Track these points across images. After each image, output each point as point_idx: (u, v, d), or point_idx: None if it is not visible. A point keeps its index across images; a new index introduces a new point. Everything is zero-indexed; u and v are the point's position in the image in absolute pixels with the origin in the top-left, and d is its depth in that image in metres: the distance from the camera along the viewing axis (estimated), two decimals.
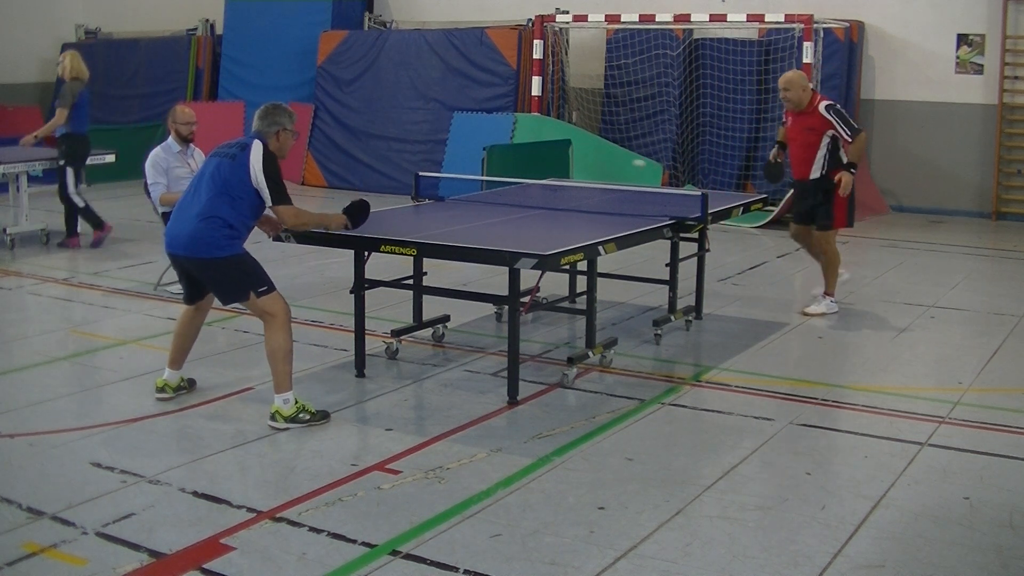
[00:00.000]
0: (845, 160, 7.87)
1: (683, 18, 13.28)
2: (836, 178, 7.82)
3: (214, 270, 5.53)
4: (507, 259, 5.65)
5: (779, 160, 8.28)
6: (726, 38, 13.88)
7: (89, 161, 11.47)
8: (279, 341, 5.48)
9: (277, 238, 6.08)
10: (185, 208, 5.55)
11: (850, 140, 7.76)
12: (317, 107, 15.68)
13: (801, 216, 8.20)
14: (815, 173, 7.91)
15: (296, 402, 5.52)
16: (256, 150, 5.45)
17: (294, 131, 5.67)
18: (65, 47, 18.06)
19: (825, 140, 7.82)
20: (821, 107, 7.81)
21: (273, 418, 5.51)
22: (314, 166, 15.53)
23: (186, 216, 5.51)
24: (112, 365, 6.66)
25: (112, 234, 10.69)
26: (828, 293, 8.09)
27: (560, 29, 14.37)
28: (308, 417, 5.52)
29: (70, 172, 10.31)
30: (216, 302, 5.93)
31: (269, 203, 5.50)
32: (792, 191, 8.71)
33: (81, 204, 10.38)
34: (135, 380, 6.29)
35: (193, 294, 5.86)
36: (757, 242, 11.40)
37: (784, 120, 8.28)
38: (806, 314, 7.97)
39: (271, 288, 5.53)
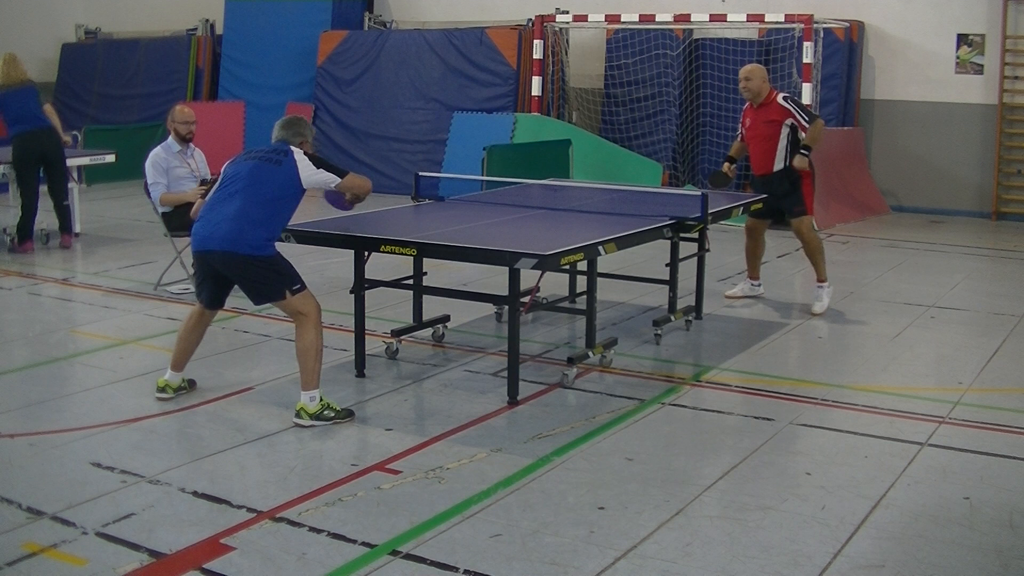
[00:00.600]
0: None
1: (683, 18, 13.30)
2: (794, 163, 7.92)
3: (250, 268, 5.53)
4: (507, 259, 5.65)
5: (729, 174, 8.37)
6: (726, 38, 13.89)
7: (89, 161, 11.51)
8: (311, 339, 5.52)
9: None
10: (218, 209, 5.55)
11: (808, 126, 7.87)
12: (317, 107, 15.68)
13: (762, 211, 8.20)
14: (779, 164, 8.00)
15: (321, 400, 5.54)
16: (300, 155, 5.67)
17: (312, 144, 5.94)
18: (65, 47, 18.15)
19: (785, 131, 7.94)
20: (779, 98, 7.96)
21: (298, 415, 5.51)
22: None
23: (220, 217, 5.51)
24: (112, 365, 6.66)
25: (110, 235, 10.68)
26: (823, 280, 8.12)
27: (560, 29, 14.38)
28: (332, 415, 5.53)
29: (11, 175, 10.19)
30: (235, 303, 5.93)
31: (335, 184, 5.72)
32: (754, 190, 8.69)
33: (20, 213, 10.18)
34: (135, 380, 6.29)
35: (214, 297, 5.82)
36: None
37: (741, 126, 8.31)
38: (815, 314, 7.98)
39: (303, 286, 5.59)
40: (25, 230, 10.17)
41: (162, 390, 5.91)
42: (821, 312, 7.99)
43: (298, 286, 5.55)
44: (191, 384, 6.04)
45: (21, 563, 4.01)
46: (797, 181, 8.02)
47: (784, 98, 7.99)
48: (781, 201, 8.08)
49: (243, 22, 16.51)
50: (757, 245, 8.45)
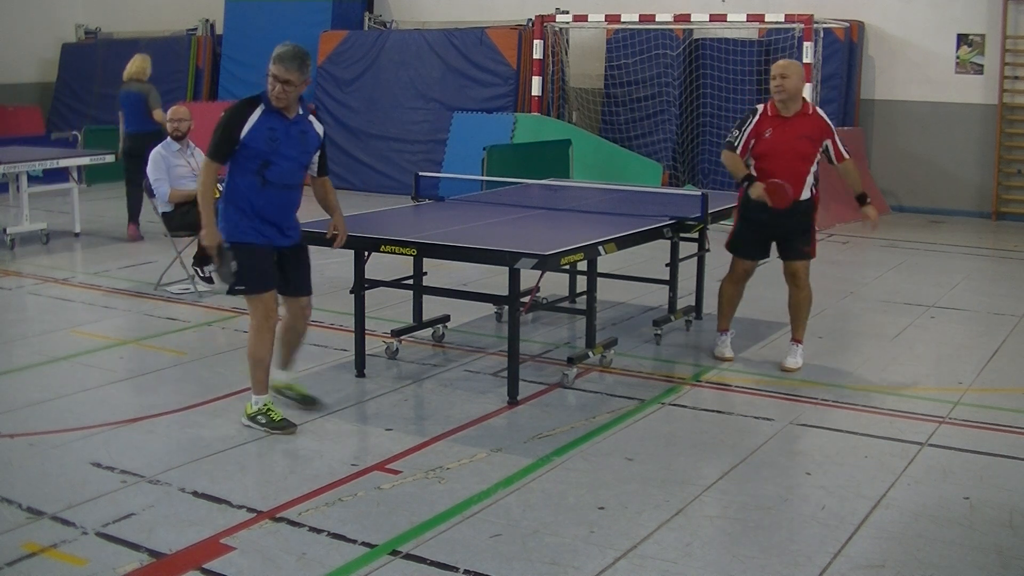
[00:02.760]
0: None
1: (683, 18, 13.29)
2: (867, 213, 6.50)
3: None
4: (507, 259, 5.65)
5: (773, 188, 6.26)
6: (726, 38, 13.90)
7: (89, 161, 11.54)
8: (250, 346, 5.37)
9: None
10: None
11: (846, 157, 6.44)
12: (317, 107, 15.67)
13: (763, 248, 6.65)
14: (806, 193, 6.41)
15: (266, 405, 5.42)
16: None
17: (275, 74, 5.12)
18: (65, 47, 18.16)
19: (819, 153, 6.40)
20: (818, 111, 6.47)
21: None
22: None
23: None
24: (112, 365, 6.66)
25: (111, 235, 10.70)
26: (799, 340, 6.66)
27: (560, 29, 14.38)
28: (265, 422, 5.38)
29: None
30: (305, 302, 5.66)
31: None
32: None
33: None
34: (135, 380, 6.29)
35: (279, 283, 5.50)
36: None
37: (753, 135, 6.34)
38: (789, 368, 6.56)
39: (253, 289, 5.31)
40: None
41: (280, 392, 5.67)
42: (796, 367, 6.55)
43: (242, 287, 5.28)
44: (311, 400, 5.75)
45: (21, 563, 4.01)
46: (810, 215, 6.51)
47: (824, 113, 6.52)
48: (790, 238, 6.48)
49: (243, 22, 16.51)
50: (740, 293, 6.86)
